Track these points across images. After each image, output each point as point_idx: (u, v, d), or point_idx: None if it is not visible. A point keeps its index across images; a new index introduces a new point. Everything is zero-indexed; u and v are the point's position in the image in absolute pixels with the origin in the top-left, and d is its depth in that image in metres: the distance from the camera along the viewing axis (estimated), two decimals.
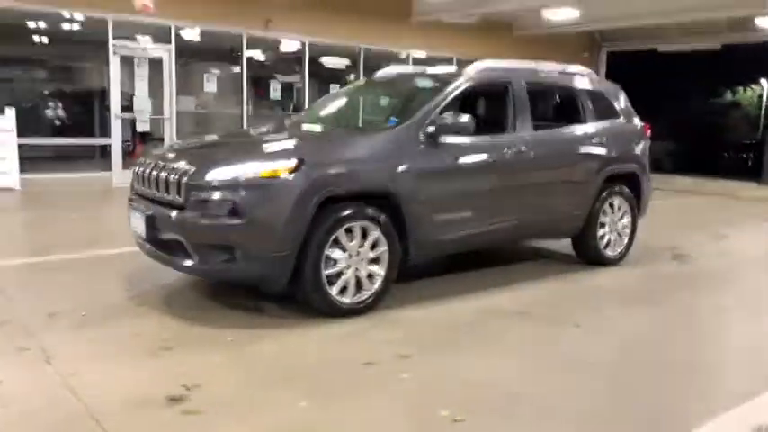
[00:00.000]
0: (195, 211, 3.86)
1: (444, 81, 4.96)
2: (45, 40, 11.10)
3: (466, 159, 4.73)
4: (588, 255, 5.82)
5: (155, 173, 4.18)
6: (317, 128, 5.22)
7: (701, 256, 6.52)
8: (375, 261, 4.28)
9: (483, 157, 4.86)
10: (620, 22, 14.97)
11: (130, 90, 11.05)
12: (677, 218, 9.85)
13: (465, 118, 4.51)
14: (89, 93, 11.44)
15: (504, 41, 15.81)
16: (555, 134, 5.52)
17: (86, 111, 11.24)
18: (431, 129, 4.51)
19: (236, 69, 12.47)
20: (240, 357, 3.50)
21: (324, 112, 5.76)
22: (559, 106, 6.05)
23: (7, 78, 10.40)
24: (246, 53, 12.27)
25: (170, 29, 11.21)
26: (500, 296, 4.78)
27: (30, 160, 10.03)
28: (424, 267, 5.45)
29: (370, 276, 4.27)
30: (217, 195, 3.83)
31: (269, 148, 4.40)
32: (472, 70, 5.13)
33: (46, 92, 11.41)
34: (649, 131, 6.30)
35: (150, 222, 4.10)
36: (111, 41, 10.56)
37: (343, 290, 4.14)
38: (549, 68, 5.70)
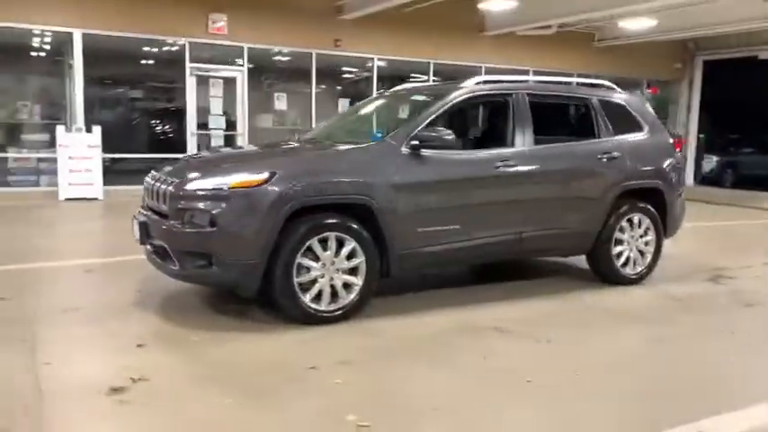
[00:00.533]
0: (176, 220, 4.18)
1: (439, 95, 5.02)
2: (130, 62, 12.11)
3: (452, 173, 4.76)
4: (604, 272, 5.61)
5: (155, 184, 4.55)
6: (312, 143, 5.41)
7: (743, 278, 6.08)
8: (354, 271, 4.40)
9: (471, 170, 4.86)
10: (714, 29, 14.14)
11: (206, 107, 11.83)
12: (752, 239, 9.17)
13: (447, 133, 4.56)
14: (169, 111, 12.33)
15: (585, 52, 15.40)
16: (560, 148, 5.39)
17: (166, 127, 12.14)
18: (414, 142, 4.59)
19: (306, 88, 12.99)
20: (196, 357, 3.74)
21: (333, 127, 5.97)
22: (570, 120, 5.91)
23: (96, 98, 11.44)
24: (315, 71, 12.76)
25: (242, 50, 11.90)
26: (487, 311, 4.73)
27: (114, 173, 11.00)
28: (426, 280, 5.53)
29: (348, 286, 4.39)
30: (194, 205, 4.12)
31: (248, 161, 4.64)
32: (470, 84, 5.16)
33: (130, 110, 12.44)
34: (681, 146, 5.98)
35: (144, 229, 4.46)
36: (188, 63, 11.40)
37: (318, 298, 4.29)
38: (559, 81, 5.60)
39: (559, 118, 6.05)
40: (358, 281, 4.41)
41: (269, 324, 4.29)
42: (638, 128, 5.77)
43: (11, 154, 11.09)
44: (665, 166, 5.76)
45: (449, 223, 4.74)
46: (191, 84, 11.54)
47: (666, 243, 5.87)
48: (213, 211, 4.06)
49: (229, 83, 11.96)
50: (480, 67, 14.39)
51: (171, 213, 4.21)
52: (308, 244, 4.21)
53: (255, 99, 11.98)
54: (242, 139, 11.99)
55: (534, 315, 4.72)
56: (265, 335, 4.11)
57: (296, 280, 4.19)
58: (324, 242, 4.28)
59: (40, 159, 11.16)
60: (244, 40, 11.79)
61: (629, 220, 5.58)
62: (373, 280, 4.47)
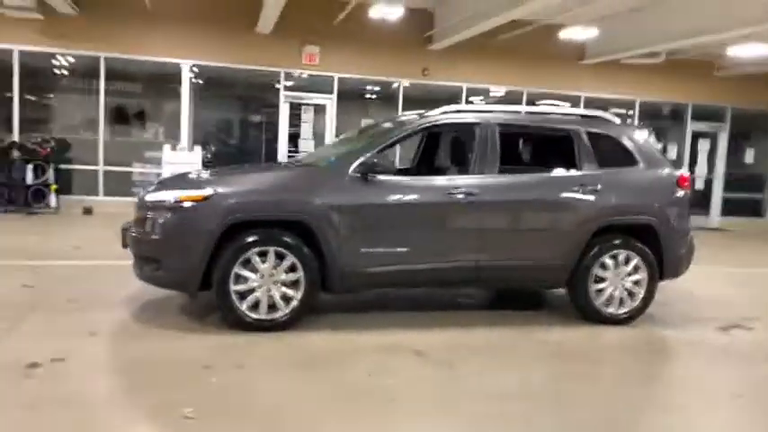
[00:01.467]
0: (137, 227, 4.78)
1: (402, 124, 5.23)
2: (231, 90, 13.39)
3: (400, 197, 4.92)
4: (583, 310, 5.40)
5: (138, 194, 5.23)
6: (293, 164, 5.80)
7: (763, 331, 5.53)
8: (295, 284, 4.73)
9: (421, 196, 4.98)
10: None
11: (297, 132, 12.73)
12: None
13: (385, 159, 4.77)
14: (263, 134, 13.34)
15: (703, 82, 14.37)
16: (527, 179, 5.32)
17: (261, 149, 13.16)
18: (360, 167, 4.84)
19: (393, 115, 13.45)
20: (118, 349, 4.28)
21: (327, 150, 6.35)
22: (548, 151, 5.75)
23: (202, 121, 12.79)
24: (402, 99, 13.20)
25: (333, 79, 12.67)
26: (425, 335, 4.81)
27: None
28: (392, 300, 5.69)
29: (287, 298, 4.73)
30: (148, 214, 4.70)
31: (203, 179, 5.13)
32: (436, 113, 5.30)
33: (230, 133, 13.67)
34: (687, 182, 5.61)
35: (122, 236, 5.12)
36: (282, 91, 12.38)
37: (256, 306, 4.67)
38: (540, 111, 5.56)
39: (535, 149, 5.94)
40: (296, 294, 4.72)
41: (215, 326, 4.71)
42: (631, 161, 5.51)
43: (134, 168, 12.64)
44: (660, 203, 5.43)
45: (395, 246, 4.90)
46: (284, 110, 12.51)
47: (698, 285, 5.52)
48: (160, 221, 4.61)
49: (319, 110, 12.78)
50: (579, 96, 14.00)
51: (134, 221, 4.82)
52: (247, 255, 4.61)
53: (344, 125, 12.63)
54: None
55: (468, 343, 4.72)
56: (199, 335, 4.56)
57: (233, 288, 4.60)
58: (264, 255, 4.66)
59: (157, 174, 12.61)
60: (334, 70, 12.55)
61: (614, 257, 5.33)
62: (312, 294, 4.75)
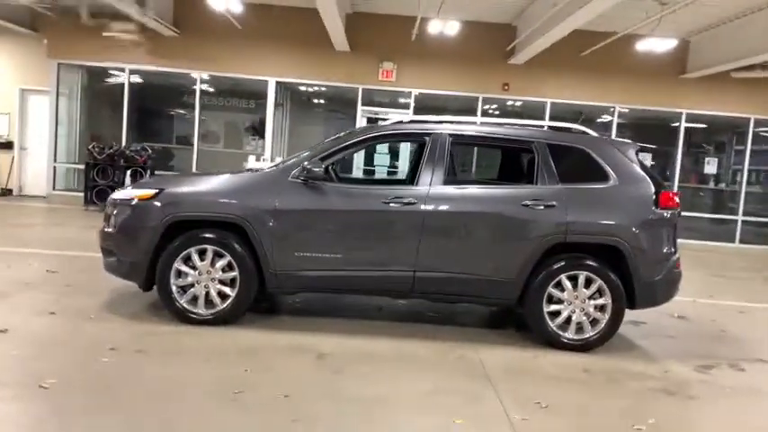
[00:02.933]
0: (104, 222, 5.31)
1: (355, 133, 5.31)
2: (311, 104, 14.06)
3: (336, 204, 4.99)
4: (539, 332, 5.10)
5: None
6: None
7: (746, 374, 4.86)
8: (233, 283, 5.00)
9: (357, 203, 5.01)
10: None
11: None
12: None
13: (317, 167, 4.90)
14: None
15: None
16: (474, 191, 5.12)
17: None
18: (299, 172, 5.01)
19: None
20: (56, 326, 4.77)
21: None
22: (504, 164, 5.49)
23: (287, 133, 13.56)
24: (481, 114, 13.02)
25: (410, 94, 12.85)
26: (348, 342, 4.83)
27: None
28: (347, 308, 5.75)
29: (224, 296, 5.00)
30: (110, 210, 5.21)
31: (160, 179, 5.52)
32: (387, 123, 5.33)
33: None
34: (672, 201, 5.10)
35: None
36: (359, 106, 12.78)
37: (195, 301, 5.00)
38: (503, 124, 5.35)
39: (492, 161, 5.66)
40: (231, 292, 4.98)
41: (167, 319, 5.06)
42: (602, 177, 5.12)
43: None
44: (630, 223, 4.99)
45: (329, 251, 4.99)
46: (361, 125, 12.89)
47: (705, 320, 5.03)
48: (116, 217, 5.10)
49: None
50: (680, 113, 12.93)
51: (103, 217, 5.36)
52: (187, 252, 4.95)
53: None
54: (401, 176, 12.87)
55: (379, 352, 4.66)
56: (141, 323, 4.94)
57: (173, 282, 4.96)
58: (204, 253, 4.98)
59: None
60: (411, 86, 12.73)
61: (573, 278, 5.00)
62: (248, 293, 4.98)
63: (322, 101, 15.02)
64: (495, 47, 12.52)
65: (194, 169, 12.86)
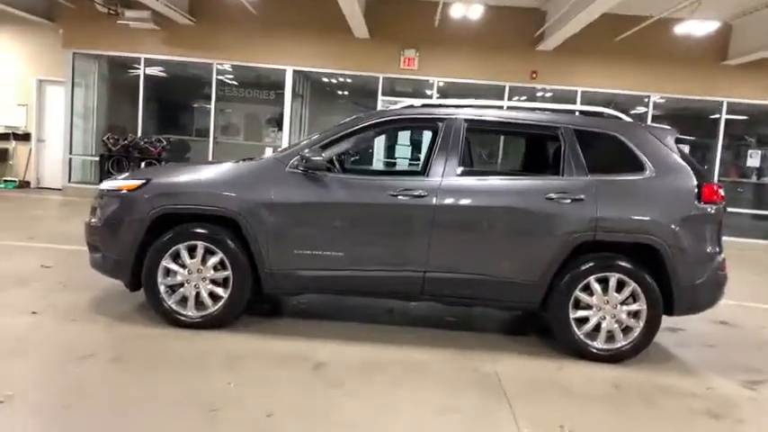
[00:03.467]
0: (90, 215, 4.91)
1: (360, 119, 4.81)
2: (329, 94, 13.64)
3: (339, 196, 4.52)
4: (563, 341, 4.57)
5: None
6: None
7: None
8: (225, 283, 4.57)
9: (362, 196, 4.53)
10: None
11: (393, 141, 12.55)
12: None
13: (317, 156, 4.43)
14: None
15: None
16: (491, 182, 4.59)
17: (355, 155, 13.16)
18: (297, 162, 4.55)
19: None
20: (36, 327, 4.40)
21: None
22: (526, 152, 4.93)
23: (306, 126, 13.15)
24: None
25: (432, 83, 12.31)
26: (350, 350, 4.36)
27: None
28: (352, 310, 5.29)
29: (215, 297, 4.58)
30: (97, 202, 4.82)
31: (149, 169, 5.10)
32: (396, 108, 4.84)
33: None
34: (717, 194, 4.52)
35: None
36: (379, 96, 12.28)
37: (184, 302, 4.58)
38: (523, 109, 4.81)
39: (513, 150, 5.12)
40: (224, 293, 4.55)
41: (155, 321, 4.66)
42: (637, 167, 4.56)
43: None
44: (669, 218, 4.42)
45: (330, 249, 4.52)
46: None
47: None
48: (101, 209, 4.70)
49: None
50: (721, 102, 12.16)
51: (90, 210, 4.97)
52: (176, 249, 4.53)
53: None
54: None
55: (384, 361, 4.18)
56: (127, 326, 4.54)
57: (161, 281, 4.55)
58: (194, 250, 4.55)
59: None
60: (434, 74, 12.18)
61: (602, 281, 4.45)
62: (242, 293, 4.55)
63: (342, 91, 14.63)
64: (522, 32, 11.91)
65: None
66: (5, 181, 13.16)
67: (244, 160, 4.92)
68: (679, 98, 12.14)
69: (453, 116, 4.69)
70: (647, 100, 12.22)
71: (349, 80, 13.53)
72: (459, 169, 4.58)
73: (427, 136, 11.97)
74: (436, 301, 4.70)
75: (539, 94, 12.65)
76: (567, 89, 12.19)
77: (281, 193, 4.50)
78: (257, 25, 12.00)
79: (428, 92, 12.47)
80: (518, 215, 4.48)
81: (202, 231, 4.52)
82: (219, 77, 12.70)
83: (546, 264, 4.44)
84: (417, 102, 4.89)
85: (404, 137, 12.05)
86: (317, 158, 4.45)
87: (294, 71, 12.45)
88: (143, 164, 11.78)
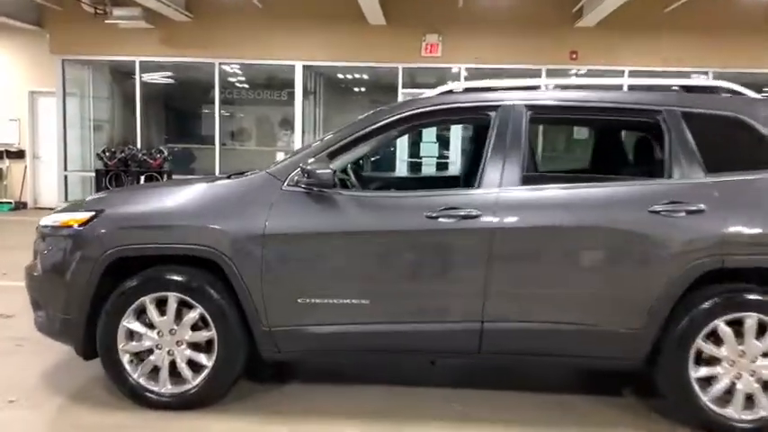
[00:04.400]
0: (33, 260, 3.72)
1: (383, 112, 3.54)
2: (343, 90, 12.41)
3: (355, 222, 3.26)
4: (681, 408, 3.27)
5: None
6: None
7: None
8: (209, 347, 3.35)
9: (387, 220, 3.26)
10: None
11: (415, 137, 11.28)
12: None
13: (324, 168, 3.17)
14: None
15: None
16: (569, 194, 3.27)
17: (375, 156, 11.93)
18: (298, 177, 3.30)
19: None
20: None
21: None
22: (613, 148, 3.63)
23: (320, 125, 11.98)
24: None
25: (458, 72, 11.01)
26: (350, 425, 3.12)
27: None
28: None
29: (196, 366, 3.36)
30: (37, 245, 3.63)
31: (101, 197, 3.89)
32: (433, 94, 3.56)
33: None
34: None
35: None
36: (400, 89, 11.01)
37: (154, 375, 3.37)
38: (606, 87, 3.50)
39: (594, 145, 3.81)
40: (207, 360, 3.33)
41: (119, 399, 3.47)
42: None
43: None
44: None
45: (348, 296, 3.27)
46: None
47: None
48: (42, 252, 3.51)
49: None
50: None
51: (33, 252, 3.77)
52: (139, 304, 3.32)
53: None
54: (453, 168, 11.04)
55: None
56: (76, 407, 3.37)
57: (122, 347, 3.34)
58: (164, 304, 3.34)
59: None
60: (460, 61, 10.87)
61: (734, 323, 3.14)
62: (232, 360, 3.33)
63: (358, 87, 13.40)
64: (558, 7, 10.55)
65: (217, 171, 11.34)
66: (0, 203, 12.15)
67: (230, 177, 3.69)
68: (746, 72, 10.60)
69: (511, 102, 3.39)
70: (705, 77, 10.74)
71: (365, 75, 12.33)
72: (522, 175, 3.28)
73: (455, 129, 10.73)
74: (499, 359, 3.41)
75: (580, 74, 11.26)
76: (612, 69, 10.77)
77: (277, 222, 3.26)
78: (261, 18, 10.82)
79: (452, 83, 11.16)
80: (610, 238, 3.19)
81: (175, 278, 3.31)
82: (223, 78, 11.55)
83: (653, 304, 3.14)
84: (456, 85, 3.61)
85: (429, 133, 10.75)
86: (325, 171, 3.19)
87: (304, 66, 11.22)
88: (143, 178, 10.66)
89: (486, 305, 3.20)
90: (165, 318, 3.33)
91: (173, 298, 3.31)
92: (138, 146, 11.37)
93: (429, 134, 10.82)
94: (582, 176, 3.37)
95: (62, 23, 11.11)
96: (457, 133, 10.93)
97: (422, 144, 11.00)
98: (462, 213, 3.19)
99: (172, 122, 13.29)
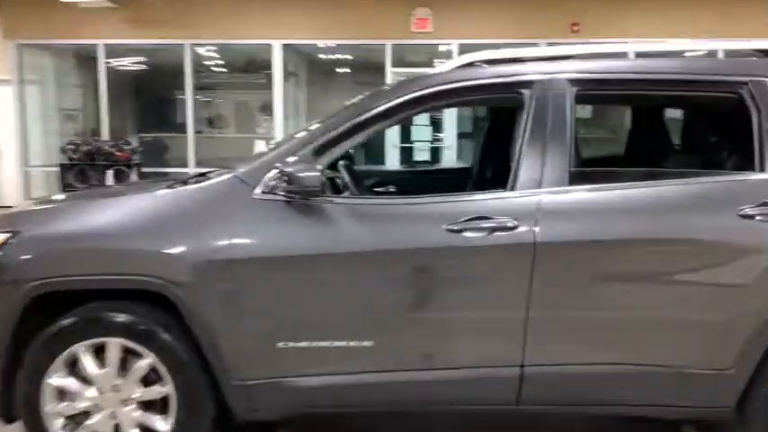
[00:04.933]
0: None
1: (383, 94, 2.74)
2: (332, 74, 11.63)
3: (349, 240, 2.47)
4: None
5: None
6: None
7: None
8: (165, 407, 2.55)
9: (396, 237, 2.47)
10: None
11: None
12: None
13: (310, 171, 2.37)
14: None
15: None
16: (628, 195, 2.49)
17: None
18: (274, 181, 2.50)
19: None
20: None
21: None
22: (685, 134, 2.85)
23: (301, 110, 11.14)
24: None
25: (451, 49, 10.17)
26: None
27: None
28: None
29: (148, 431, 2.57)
30: None
31: (13, 214, 3.09)
32: (449, 68, 2.78)
33: None
34: None
35: None
36: (388, 68, 10.15)
37: None
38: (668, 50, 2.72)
39: (658, 131, 3.03)
40: (163, 425, 2.54)
41: None
42: None
43: None
44: None
45: (347, 337, 2.49)
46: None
47: None
48: None
49: None
50: None
51: None
52: (69, 353, 2.52)
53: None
54: (449, 153, 10.23)
55: None
56: None
57: (49, 409, 2.55)
58: (103, 351, 2.54)
59: None
60: (452, 36, 10.02)
61: None
62: (195, 424, 2.54)
63: (344, 68, 12.53)
64: None
65: (191, 162, 10.46)
66: None
67: (185, 182, 2.86)
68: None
69: (551, 76, 2.58)
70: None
71: (350, 55, 11.44)
72: (571, 171, 2.50)
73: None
74: (544, 410, 2.64)
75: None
76: (618, 42, 9.95)
77: (248, 242, 2.47)
78: None
79: (444, 61, 10.30)
80: (689, 251, 2.42)
81: (116, 318, 2.51)
82: (196, 61, 10.62)
83: (746, 338, 2.38)
84: (478, 56, 2.80)
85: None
86: (310, 175, 2.38)
87: (283, 46, 10.30)
88: (110, 172, 9.75)
89: (528, 344, 2.43)
90: (105, 370, 2.53)
91: (114, 345, 2.52)
92: (105, 137, 10.43)
93: (421, 117, 9.98)
94: (649, 172, 2.57)
95: (15, 4, 10.10)
96: (452, 114, 10.09)
97: (413, 128, 10.15)
98: (493, 224, 2.41)
99: (144, 111, 12.41)
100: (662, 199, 2.46)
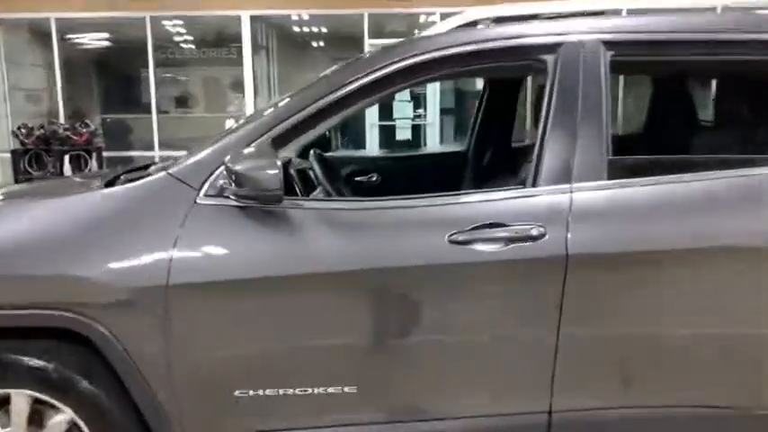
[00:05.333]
0: None
1: (361, 65, 2.14)
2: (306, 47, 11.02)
3: (328, 258, 1.89)
4: None
5: None
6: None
7: None
8: None
9: (384, 251, 1.89)
10: None
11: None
12: None
13: (270, 168, 1.76)
14: None
15: None
16: (684, 191, 1.93)
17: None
18: (217, 182, 1.90)
19: None
20: None
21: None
22: (740, 113, 2.31)
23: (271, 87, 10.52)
24: None
25: (434, 17, 9.54)
26: None
27: None
28: None
29: None
30: None
31: None
32: (445, 29, 2.21)
33: None
34: None
35: None
36: (366, 40, 9.52)
37: None
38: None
39: (711, 109, 2.48)
40: None
41: None
42: None
43: None
44: None
45: (324, 382, 1.92)
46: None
47: None
48: None
49: None
50: None
51: None
52: None
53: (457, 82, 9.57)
54: (431, 129, 9.65)
55: None
56: None
57: None
58: (6, 403, 1.95)
59: None
60: (432, 4, 9.39)
61: None
62: None
63: (319, 42, 11.86)
64: None
65: (156, 144, 9.77)
66: None
67: (112, 181, 2.24)
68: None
69: (580, 37, 2.00)
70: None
71: (327, 24, 10.78)
72: (609, 161, 1.93)
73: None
74: None
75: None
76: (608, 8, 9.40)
77: (190, 262, 1.87)
78: None
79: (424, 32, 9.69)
80: (759, 263, 1.87)
81: (23, 362, 1.91)
82: (159, 36, 9.91)
83: None
84: (482, 12, 2.20)
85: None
86: (268, 173, 1.78)
87: (252, 18, 9.60)
88: (66, 157, 9.02)
89: (557, 385, 1.89)
90: (7, 430, 1.95)
91: (21, 397, 1.92)
92: (62, 119, 9.69)
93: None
94: (701, 161, 2.00)
95: None
96: (434, 88, 9.48)
97: (394, 104, 9.53)
98: (511, 233, 1.84)
99: (107, 91, 11.69)
100: (740, 194, 1.90)
